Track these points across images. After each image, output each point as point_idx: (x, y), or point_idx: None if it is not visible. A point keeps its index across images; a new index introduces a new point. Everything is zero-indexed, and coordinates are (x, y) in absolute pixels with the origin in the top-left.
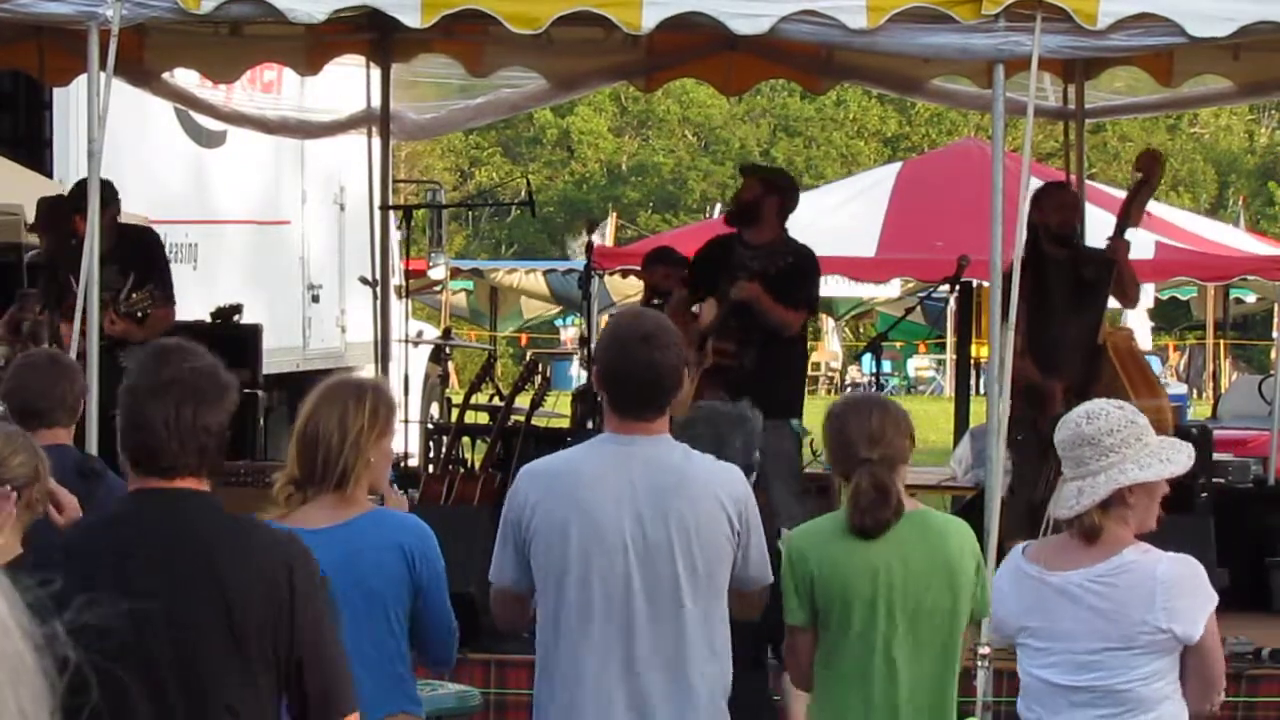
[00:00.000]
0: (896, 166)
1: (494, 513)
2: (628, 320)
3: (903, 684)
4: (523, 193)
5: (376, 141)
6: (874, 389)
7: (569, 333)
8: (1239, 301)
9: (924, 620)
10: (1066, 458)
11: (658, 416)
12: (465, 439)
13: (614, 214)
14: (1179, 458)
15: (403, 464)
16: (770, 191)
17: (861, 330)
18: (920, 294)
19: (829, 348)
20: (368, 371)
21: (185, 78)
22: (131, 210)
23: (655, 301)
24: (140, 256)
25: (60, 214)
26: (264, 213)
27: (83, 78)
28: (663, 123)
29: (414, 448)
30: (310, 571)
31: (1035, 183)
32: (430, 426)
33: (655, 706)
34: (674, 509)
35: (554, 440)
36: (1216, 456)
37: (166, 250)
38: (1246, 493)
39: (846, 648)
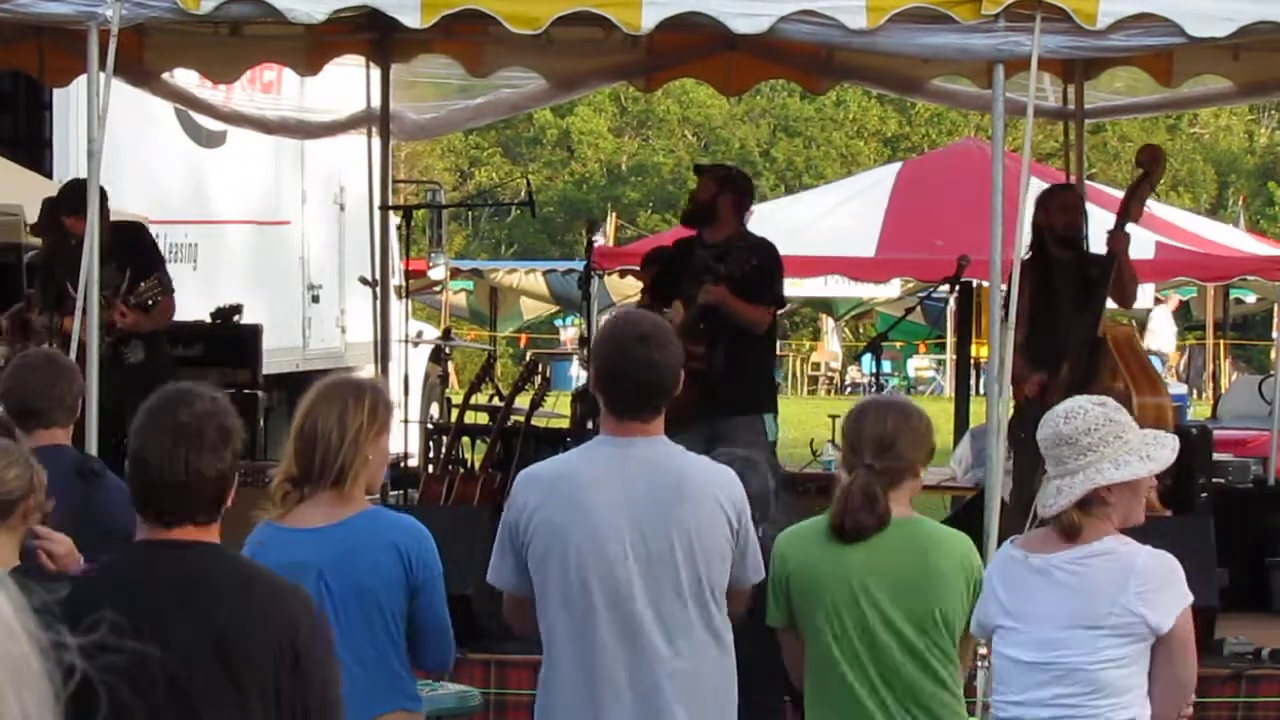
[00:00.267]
0: (896, 166)
1: (494, 513)
2: (624, 321)
3: (866, 693)
4: (523, 193)
5: (376, 141)
6: (874, 389)
7: (569, 333)
8: (1239, 301)
9: (895, 630)
10: (1047, 456)
11: (655, 417)
12: (465, 439)
13: (614, 214)
14: (1160, 454)
15: (403, 464)
16: (724, 189)
17: (861, 330)
18: (920, 294)
19: (829, 348)
20: (368, 372)
21: (185, 78)
22: (132, 210)
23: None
24: (135, 251)
25: (58, 215)
26: (264, 213)
27: (83, 78)
28: (663, 123)
29: (414, 448)
30: (315, 627)
31: (1035, 183)
32: (430, 426)
33: (659, 709)
34: (674, 512)
35: (554, 440)
36: (1216, 456)
37: (166, 250)
38: (1246, 493)
39: (818, 651)
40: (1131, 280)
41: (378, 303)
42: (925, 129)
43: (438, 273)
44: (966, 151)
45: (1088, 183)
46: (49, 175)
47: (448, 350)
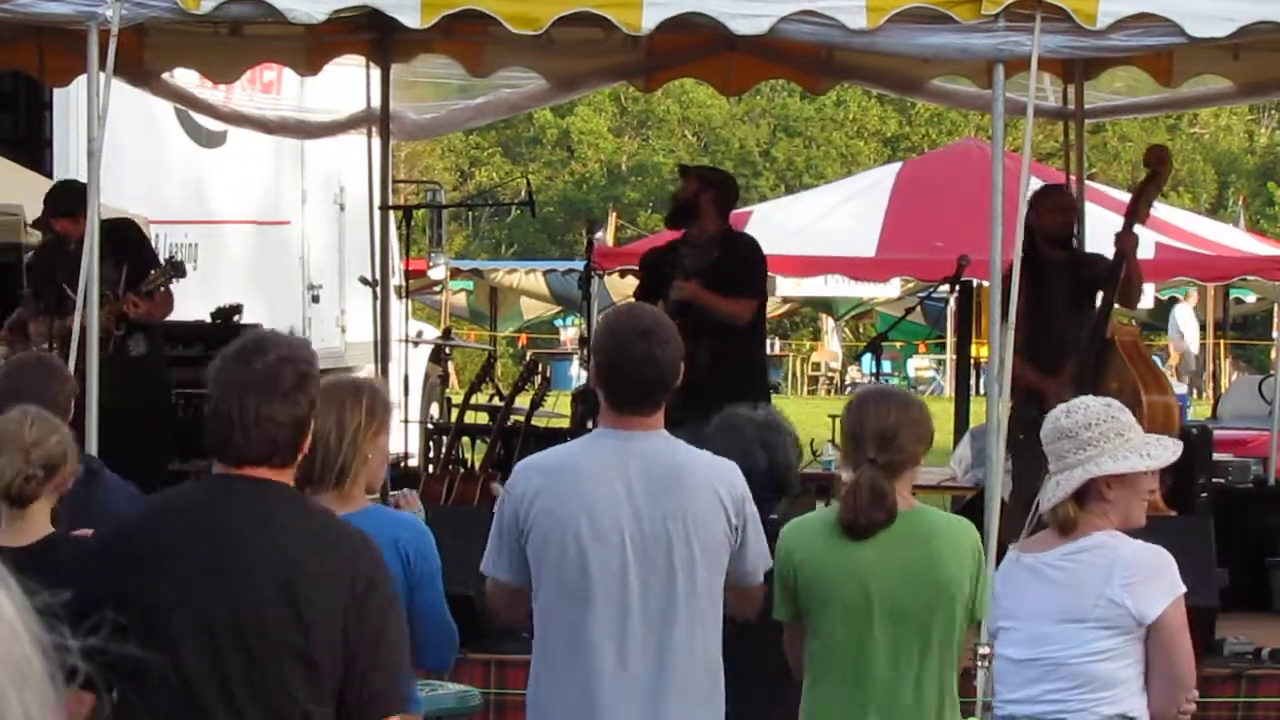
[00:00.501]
0: (896, 166)
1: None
2: (625, 315)
3: (877, 685)
4: (523, 193)
5: (376, 141)
6: None
7: (569, 333)
8: (1239, 301)
9: (903, 622)
10: (1048, 451)
11: (655, 411)
12: (465, 439)
13: (614, 214)
14: (1161, 453)
15: (403, 464)
16: (706, 187)
17: (861, 330)
18: (920, 294)
19: (829, 348)
20: (368, 372)
21: (185, 78)
22: (132, 210)
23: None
24: (128, 247)
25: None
26: (264, 213)
27: (83, 78)
28: (663, 123)
29: (414, 448)
30: (382, 570)
31: (1035, 183)
32: (430, 426)
33: (652, 700)
34: (671, 504)
35: (554, 440)
36: (1216, 456)
37: (166, 250)
38: (1246, 493)
39: (825, 645)
40: (1138, 281)
41: (378, 303)
42: (925, 129)
43: (438, 273)
44: (966, 151)
45: (1088, 183)
46: (49, 175)
47: (448, 350)
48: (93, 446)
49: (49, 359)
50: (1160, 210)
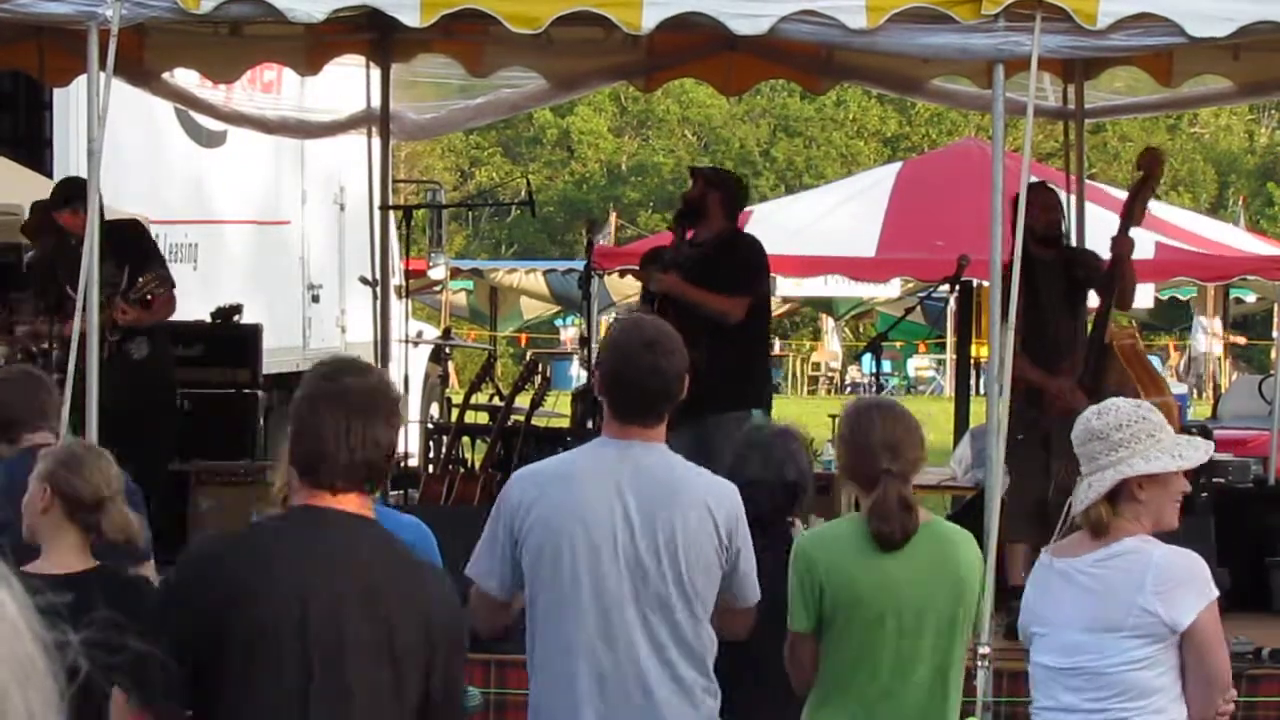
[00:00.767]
0: (896, 166)
1: None
2: (630, 327)
3: (894, 694)
4: (523, 193)
5: (376, 141)
6: (874, 389)
7: (569, 333)
8: (1239, 301)
9: (926, 633)
10: (1080, 454)
11: (657, 423)
12: (465, 439)
13: (614, 214)
14: (1193, 454)
15: (403, 464)
16: (712, 187)
17: (861, 330)
18: (920, 294)
19: (829, 348)
20: None
21: (185, 78)
22: (132, 210)
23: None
24: (131, 248)
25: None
26: (264, 213)
27: (83, 78)
28: (663, 123)
29: (414, 448)
30: (458, 611)
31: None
32: (430, 426)
33: (643, 711)
34: (662, 517)
35: (554, 440)
36: (1216, 456)
37: (166, 250)
38: (1246, 493)
39: (845, 656)
40: (1132, 285)
41: (378, 302)
42: (925, 129)
43: (438, 273)
44: (966, 151)
45: (1088, 183)
46: (49, 175)
47: (448, 350)
48: None
49: (32, 371)
50: (1160, 210)
